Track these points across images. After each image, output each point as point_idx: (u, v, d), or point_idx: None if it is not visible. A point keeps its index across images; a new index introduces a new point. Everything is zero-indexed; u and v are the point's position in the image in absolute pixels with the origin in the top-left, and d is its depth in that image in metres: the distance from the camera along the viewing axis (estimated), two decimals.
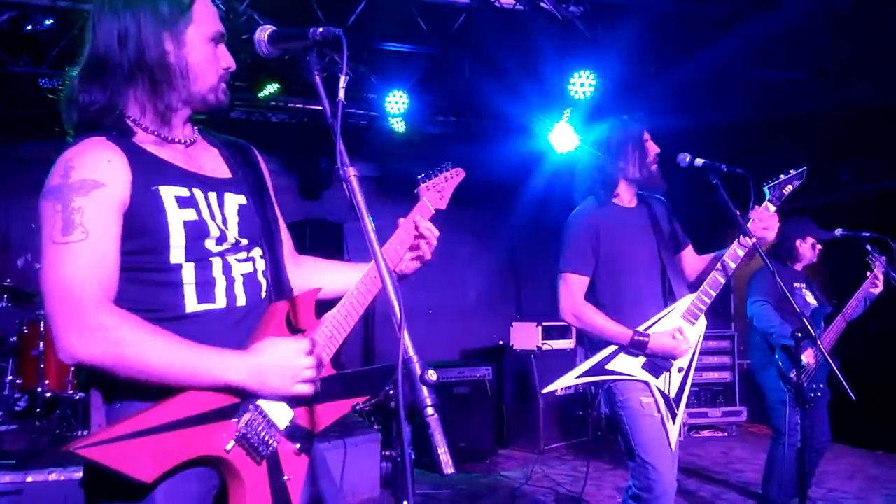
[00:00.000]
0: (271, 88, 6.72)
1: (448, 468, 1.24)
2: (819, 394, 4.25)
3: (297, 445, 1.64)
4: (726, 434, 7.70)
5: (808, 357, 4.10)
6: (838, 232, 4.55)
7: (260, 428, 1.57)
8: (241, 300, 1.65)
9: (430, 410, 1.26)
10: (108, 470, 1.36)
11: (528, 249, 8.64)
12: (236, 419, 1.54)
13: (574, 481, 5.71)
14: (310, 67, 1.54)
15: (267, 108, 7.59)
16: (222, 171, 1.77)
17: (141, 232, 1.55)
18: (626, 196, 3.31)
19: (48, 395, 5.33)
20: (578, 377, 3.12)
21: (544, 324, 7.14)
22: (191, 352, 1.49)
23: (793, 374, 4.17)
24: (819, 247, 4.64)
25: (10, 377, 5.47)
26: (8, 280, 5.68)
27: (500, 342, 7.60)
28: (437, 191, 2.13)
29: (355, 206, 1.43)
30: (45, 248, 1.48)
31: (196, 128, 1.79)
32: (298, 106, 7.43)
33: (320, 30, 1.52)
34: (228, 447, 1.51)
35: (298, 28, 1.55)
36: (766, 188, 3.14)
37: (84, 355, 1.43)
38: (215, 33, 1.69)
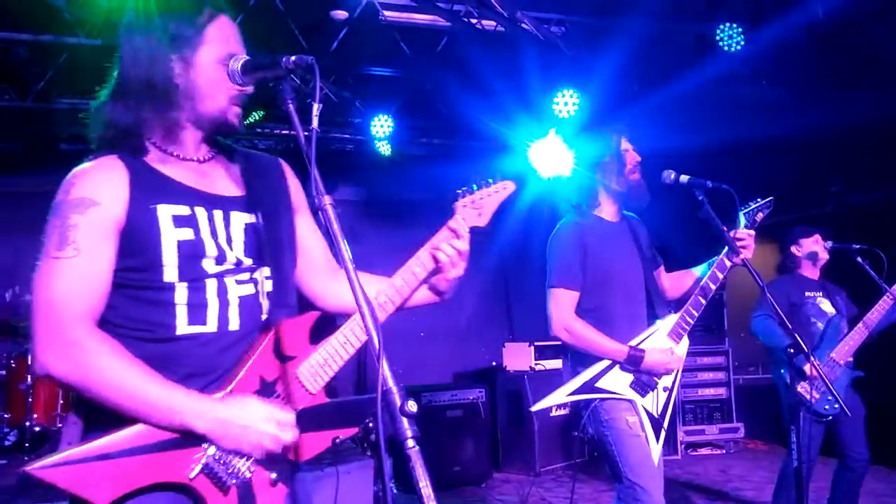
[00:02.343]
0: (256, 115, 6.72)
1: (430, 502, 1.21)
2: (838, 406, 4.13)
3: (273, 475, 1.61)
4: (724, 451, 7.65)
5: (808, 370, 4.05)
6: (828, 244, 4.54)
7: (230, 457, 1.55)
8: (233, 324, 1.64)
9: (410, 443, 1.23)
10: (63, 492, 1.40)
11: (518, 269, 8.62)
12: (205, 446, 1.53)
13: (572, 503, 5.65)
14: (283, 96, 1.53)
15: (253, 134, 7.59)
16: (234, 189, 1.77)
17: (136, 250, 1.57)
18: (609, 210, 3.30)
19: (37, 428, 5.29)
20: (569, 395, 3.08)
21: (537, 344, 7.10)
22: (160, 389, 1.49)
23: (800, 388, 4.10)
24: (817, 244, 4.57)
25: None
26: None
27: (493, 363, 7.56)
28: (475, 207, 1.97)
29: (331, 234, 1.42)
30: (40, 261, 1.53)
31: (218, 147, 1.79)
32: (284, 132, 7.42)
33: (293, 58, 1.52)
34: (192, 475, 1.51)
35: (270, 57, 1.55)
36: (741, 213, 3.15)
37: (55, 370, 1.47)
38: (227, 57, 1.66)
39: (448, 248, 1.89)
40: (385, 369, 1.27)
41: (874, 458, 4.94)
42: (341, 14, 5.58)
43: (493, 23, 5.74)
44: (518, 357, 7.18)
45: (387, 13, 5.63)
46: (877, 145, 6.48)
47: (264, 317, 1.70)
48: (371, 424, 1.49)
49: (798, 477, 3.27)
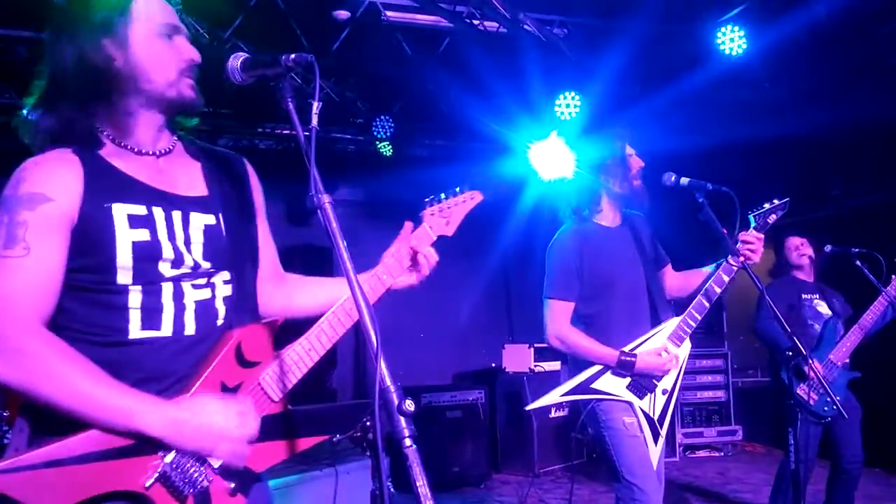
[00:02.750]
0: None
1: (427, 501, 1.20)
2: (826, 407, 4.14)
3: (232, 485, 1.56)
4: (722, 454, 7.64)
5: (810, 372, 4.04)
6: (828, 248, 4.54)
7: (188, 465, 1.50)
8: (189, 329, 1.58)
9: (407, 442, 1.22)
10: (10, 501, 1.32)
11: (518, 271, 8.62)
12: (161, 454, 1.47)
13: None
14: (282, 94, 1.52)
15: (254, 134, 7.60)
16: (195, 188, 1.70)
17: (88, 250, 1.50)
18: (609, 215, 3.29)
19: None
20: (563, 395, 3.10)
21: (536, 345, 7.10)
22: (112, 392, 1.43)
23: (799, 390, 4.10)
24: (801, 244, 4.58)
25: None
26: None
27: (493, 365, 7.56)
28: (442, 216, 1.98)
29: (330, 233, 1.42)
30: None
31: (177, 137, 1.73)
32: (286, 132, 7.43)
33: (293, 56, 1.51)
34: (148, 483, 1.45)
35: (270, 55, 1.54)
36: (750, 216, 3.13)
37: (1, 375, 1.40)
38: (164, 26, 1.62)
39: (424, 247, 1.91)
40: (383, 368, 1.26)
41: (871, 461, 4.93)
42: (343, 14, 5.57)
43: (496, 24, 5.73)
44: (517, 358, 7.18)
45: (389, 13, 5.63)
46: (877, 147, 6.47)
47: (220, 322, 1.63)
48: (369, 424, 1.45)
49: (796, 479, 3.27)
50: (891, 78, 5.71)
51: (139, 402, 1.44)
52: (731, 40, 5.44)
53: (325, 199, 1.41)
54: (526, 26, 5.63)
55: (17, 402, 1.49)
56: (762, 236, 3.08)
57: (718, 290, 3.07)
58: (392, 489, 1.13)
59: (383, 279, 1.86)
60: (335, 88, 6.63)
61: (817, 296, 4.48)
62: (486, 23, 5.74)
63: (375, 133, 6.96)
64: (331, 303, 1.75)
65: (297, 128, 1.48)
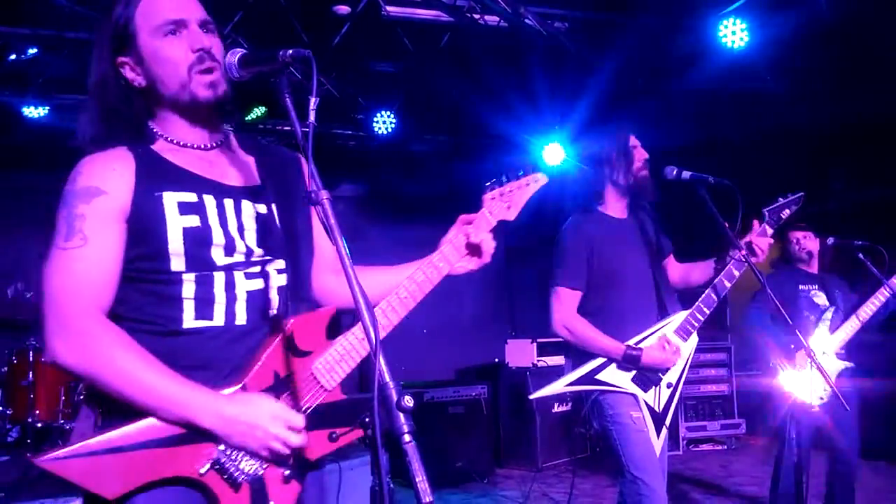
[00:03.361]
0: (258, 112, 6.72)
1: (426, 497, 1.20)
2: (822, 398, 4.14)
3: (286, 472, 1.58)
4: (725, 447, 7.64)
5: (801, 364, 4.04)
6: (830, 241, 4.52)
7: (241, 453, 1.53)
8: (240, 319, 1.61)
9: (406, 437, 1.22)
10: (72, 484, 1.38)
11: (521, 266, 8.62)
12: (215, 442, 1.50)
13: (571, 499, 5.64)
14: (280, 89, 1.51)
15: (255, 131, 7.60)
16: (247, 178, 1.73)
17: (142, 238, 1.55)
18: (616, 206, 3.27)
19: (39, 425, 5.28)
20: (568, 385, 3.08)
21: (539, 341, 7.10)
22: (169, 381, 1.47)
23: (786, 381, 4.12)
24: (805, 236, 4.56)
25: (1, 408, 5.42)
26: None
27: (496, 360, 7.56)
28: (503, 200, 1.92)
29: (328, 229, 1.41)
30: (50, 252, 1.52)
31: (227, 133, 1.76)
32: (287, 128, 7.42)
33: (290, 51, 1.49)
34: (203, 470, 1.49)
35: (268, 50, 1.53)
36: (764, 210, 3.13)
37: (64, 359, 1.47)
38: (166, 25, 1.62)
39: (482, 234, 1.85)
40: (382, 364, 1.26)
41: (876, 454, 4.95)
42: (343, 9, 5.57)
43: (497, 18, 5.72)
44: (520, 354, 7.18)
45: (389, 8, 5.62)
46: (880, 142, 6.46)
47: (272, 312, 1.65)
48: (368, 419, 1.45)
49: (798, 471, 3.27)
50: (893, 71, 5.69)
51: (193, 394, 1.48)
52: (734, 33, 5.43)
53: (324, 194, 1.41)
54: (527, 20, 5.62)
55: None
56: (770, 241, 3.10)
57: (728, 285, 3.06)
58: (392, 485, 1.13)
59: (439, 266, 1.83)
60: (336, 84, 6.63)
61: (816, 286, 4.45)
62: (486, 17, 5.73)
63: (376, 128, 6.96)
64: (390, 291, 1.75)
65: (294, 124, 1.48)
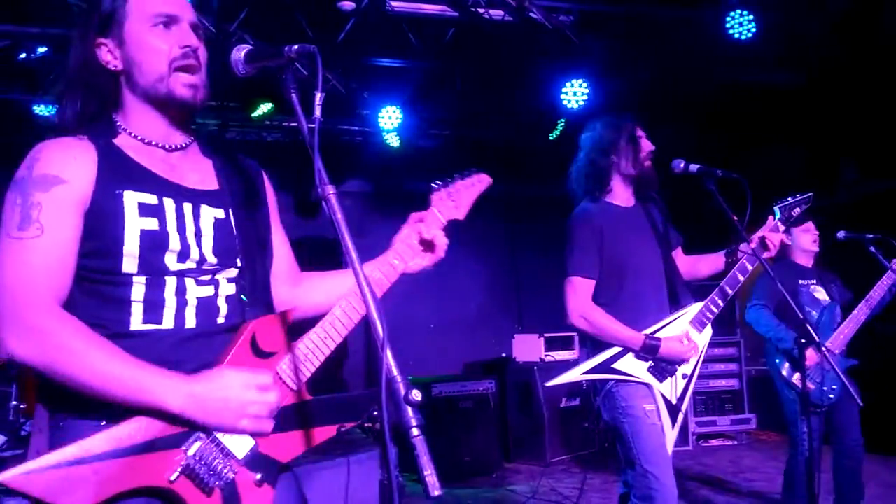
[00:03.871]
0: (265, 108, 6.72)
1: (435, 490, 1.20)
2: (832, 395, 4.13)
3: (258, 476, 1.56)
4: (736, 442, 7.63)
5: (808, 360, 4.02)
6: (841, 234, 4.49)
7: (212, 457, 1.49)
8: (190, 323, 1.58)
9: (415, 431, 1.21)
10: (36, 500, 1.33)
11: (528, 260, 8.61)
12: (184, 448, 1.47)
13: (581, 494, 5.64)
14: (286, 85, 1.52)
15: (261, 127, 7.61)
16: (207, 182, 1.71)
17: (97, 235, 1.51)
18: (622, 195, 3.26)
19: None
20: (584, 373, 3.06)
21: (546, 335, 7.09)
22: (130, 367, 1.43)
23: (795, 380, 4.11)
24: (808, 233, 4.52)
25: (15, 402, 5.45)
26: None
27: (503, 354, 7.55)
28: (451, 199, 1.97)
29: (335, 224, 1.40)
30: (0, 240, 1.46)
31: (193, 137, 1.74)
32: (293, 125, 7.43)
33: (295, 47, 1.50)
34: (173, 477, 1.45)
35: (274, 46, 1.53)
36: (776, 207, 3.14)
37: (20, 353, 1.41)
38: (158, 16, 1.61)
39: (433, 230, 1.89)
40: (389, 359, 1.25)
41: (888, 448, 4.90)
42: (348, 5, 5.55)
43: (502, 12, 5.70)
44: (528, 348, 7.17)
45: (394, 3, 5.61)
46: (891, 134, 6.41)
47: (220, 320, 1.62)
48: (376, 413, 1.44)
49: (810, 468, 3.24)
50: None
51: (158, 377, 1.44)
52: (741, 24, 5.39)
53: (330, 190, 1.40)
54: (532, 14, 5.60)
55: (33, 390, 1.49)
56: (783, 237, 3.13)
57: (741, 279, 3.07)
58: (401, 478, 1.12)
59: (395, 264, 1.86)
60: (341, 80, 6.62)
61: (815, 281, 4.42)
62: (491, 11, 5.71)
63: (382, 124, 6.95)
64: (345, 294, 1.74)
65: (300, 119, 1.47)
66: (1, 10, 5.36)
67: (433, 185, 1.98)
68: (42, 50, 5.88)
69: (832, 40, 5.70)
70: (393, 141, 7.35)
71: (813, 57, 6.05)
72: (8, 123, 6.55)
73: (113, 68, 1.62)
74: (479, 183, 2.04)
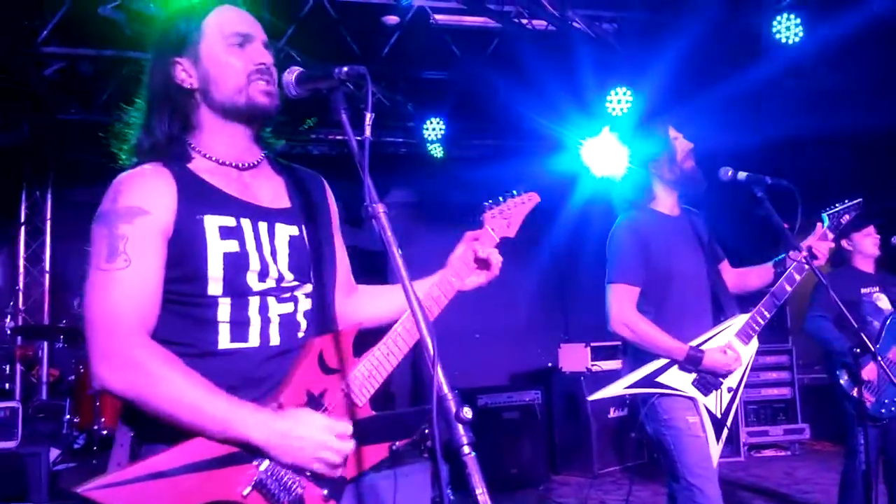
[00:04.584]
0: (309, 121, 6.82)
1: None
2: (884, 409, 4.01)
3: (325, 491, 1.59)
4: (789, 453, 7.44)
5: (868, 373, 3.91)
6: (894, 240, 4.37)
7: (282, 472, 1.53)
8: (274, 340, 1.63)
9: (466, 449, 1.22)
10: None
11: (573, 269, 8.54)
12: (256, 463, 1.51)
13: None
14: (336, 106, 1.55)
15: (308, 140, 7.72)
16: (279, 200, 1.75)
17: (182, 261, 1.55)
18: (667, 203, 3.22)
19: (105, 433, 5.42)
20: (628, 387, 3.02)
21: (593, 345, 7.03)
22: (218, 400, 1.47)
23: (854, 392, 4.00)
24: (869, 238, 4.40)
25: (68, 416, 5.61)
26: (64, 321, 5.85)
27: (549, 364, 7.50)
28: (503, 218, 2.02)
29: (385, 242, 1.43)
30: (90, 273, 1.51)
31: (264, 153, 1.79)
32: (338, 138, 7.52)
33: (345, 69, 1.53)
34: (245, 492, 1.49)
35: (324, 68, 1.56)
36: (824, 214, 3.08)
37: (113, 385, 1.46)
38: (234, 36, 1.67)
39: (487, 248, 1.93)
40: (440, 376, 1.27)
41: None
42: (393, 19, 5.62)
43: (544, 22, 5.70)
44: (574, 358, 7.11)
45: (437, 16, 5.66)
46: None
47: (301, 335, 1.68)
48: (427, 431, 1.47)
49: (867, 480, 3.15)
50: None
51: (243, 412, 1.48)
52: (788, 28, 5.31)
53: (380, 208, 1.42)
54: (574, 23, 5.59)
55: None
56: (832, 245, 3.06)
57: (789, 289, 3.00)
58: (452, 496, 1.13)
59: (452, 281, 1.90)
60: (385, 93, 6.69)
61: (877, 288, 4.28)
62: (534, 21, 5.72)
63: (426, 135, 6.99)
64: (401, 309, 1.79)
65: (350, 138, 1.50)
66: (56, 33, 5.57)
67: (485, 203, 2.02)
68: (96, 70, 6.10)
69: (883, 45, 5.56)
70: (437, 152, 7.39)
71: (861, 60, 5.90)
72: (65, 142, 6.79)
73: (189, 86, 1.67)
74: (529, 201, 2.08)
